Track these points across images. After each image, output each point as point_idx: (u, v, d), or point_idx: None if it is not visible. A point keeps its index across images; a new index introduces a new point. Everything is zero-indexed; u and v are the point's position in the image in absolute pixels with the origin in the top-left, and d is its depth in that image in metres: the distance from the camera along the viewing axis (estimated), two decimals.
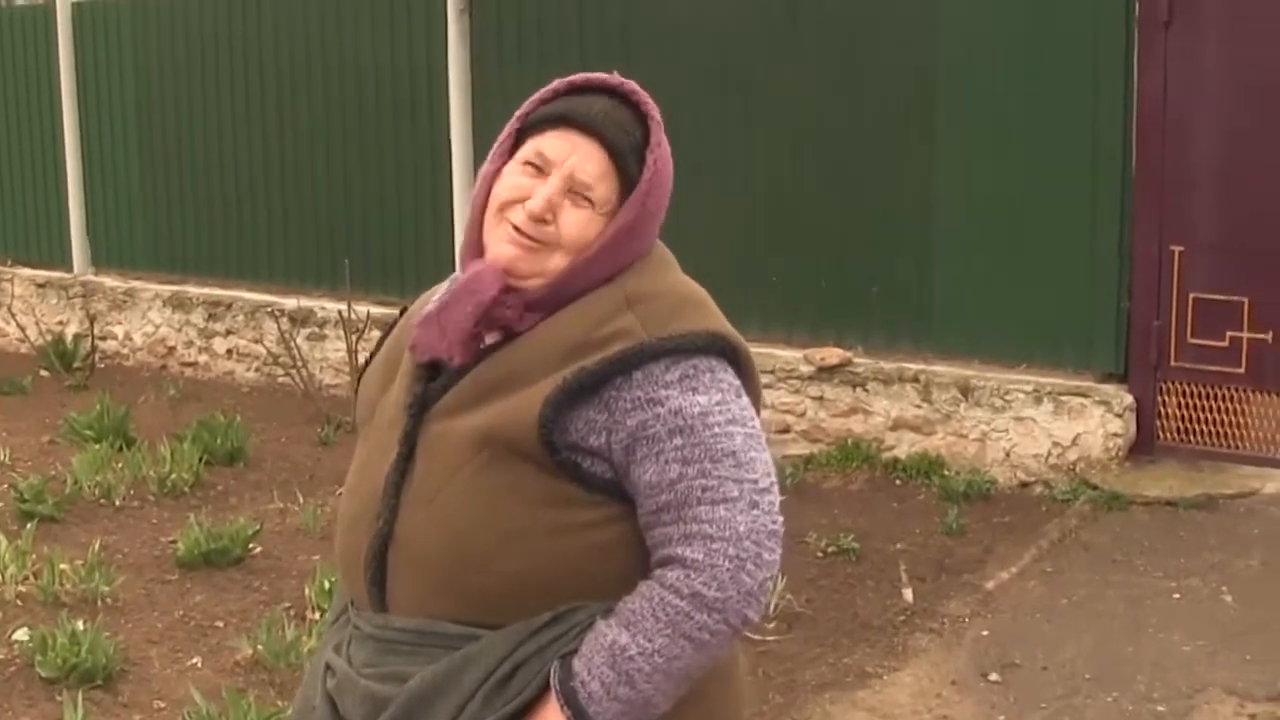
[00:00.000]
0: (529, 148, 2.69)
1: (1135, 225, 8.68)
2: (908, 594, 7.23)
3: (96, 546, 7.60)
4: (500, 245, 2.66)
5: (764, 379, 9.68)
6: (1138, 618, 6.86)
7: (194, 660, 6.48)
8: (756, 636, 6.61)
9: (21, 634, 6.57)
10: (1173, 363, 8.74)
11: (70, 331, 13.01)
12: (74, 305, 13.24)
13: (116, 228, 13.15)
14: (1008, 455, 8.97)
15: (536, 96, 2.75)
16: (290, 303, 11.78)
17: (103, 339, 12.91)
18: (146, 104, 12.76)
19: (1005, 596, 7.21)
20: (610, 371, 2.57)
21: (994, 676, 6.32)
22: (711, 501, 2.54)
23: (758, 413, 2.72)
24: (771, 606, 6.78)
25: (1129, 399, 8.75)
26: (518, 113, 2.75)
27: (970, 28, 9.02)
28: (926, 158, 9.21)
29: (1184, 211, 8.61)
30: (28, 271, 13.72)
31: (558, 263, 2.65)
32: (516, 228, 2.64)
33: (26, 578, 7.20)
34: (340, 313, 10.76)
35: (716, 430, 2.57)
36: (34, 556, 7.40)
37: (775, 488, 2.63)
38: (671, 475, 2.55)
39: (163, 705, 6.08)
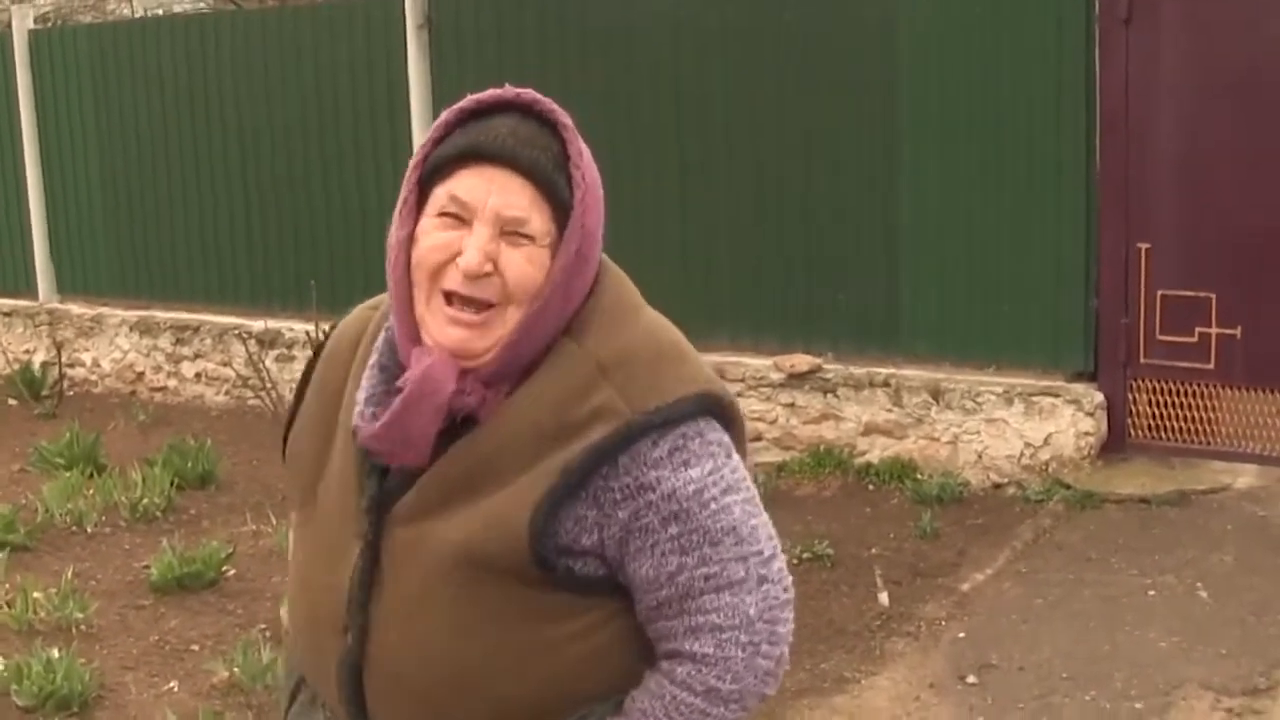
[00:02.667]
0: (440, 197, 2.33)
1: (1101, 223, 8.71)
2: (883, 598, 7.24)
3: (69, 574, 7.59)
4: (443, 329, 2.32)
5: (734, 387, 9.69)
6: (1113, 616, 6.88)
7: (170, 685, 6.46)
8: None
9: None
10: (1142, 360, 8.77)
11: (37, 360, 12.95)
12: (40, 333, 13.19)
13: (81, 254, 13.10)
14: (980, 457, 8.98)
15: (430, 137, 2.40)
16: (258, 324, 11.75)
17: (70, 366, 12.86)
18: (107, 129, 12.72)
19: (981, 598, 7.22)
20: (596, 462, 2.29)
21: (971, 678, 6.33)
22: (716, 589, 2.33)
23: (744, 458, 2.46)
24: None
25: (1099, 397, 8.77)
26: (413, 161, 2.40)
27: (929, 29, 9.04)
28: (890, 161, 9.23)
29: (1149, 208, 8.63)
30: None
31: (511, 320, 2.32)
32: (454, 297, 2.31)
33: (0, 607, 7.17)
34: (308, 333, 10.73)
35: (713, 507, 2.32)
36: (7, 585, 7.39)
37: (779, 549, 2.43)
38: (670, 568, 2.32)
39: None
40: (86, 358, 12.91)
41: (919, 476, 8.94)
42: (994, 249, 8.96)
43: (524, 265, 2.30)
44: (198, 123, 12.12)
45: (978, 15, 8.89)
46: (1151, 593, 7.15)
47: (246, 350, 11.54)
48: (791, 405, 9.54)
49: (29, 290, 13.43)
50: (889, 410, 9.24)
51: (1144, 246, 8.65)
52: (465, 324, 2.31)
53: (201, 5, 23.80)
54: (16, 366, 12.81)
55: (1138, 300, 8.70)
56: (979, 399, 8.98)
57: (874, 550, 7.92)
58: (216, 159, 12.09)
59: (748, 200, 9.72)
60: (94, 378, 12.88)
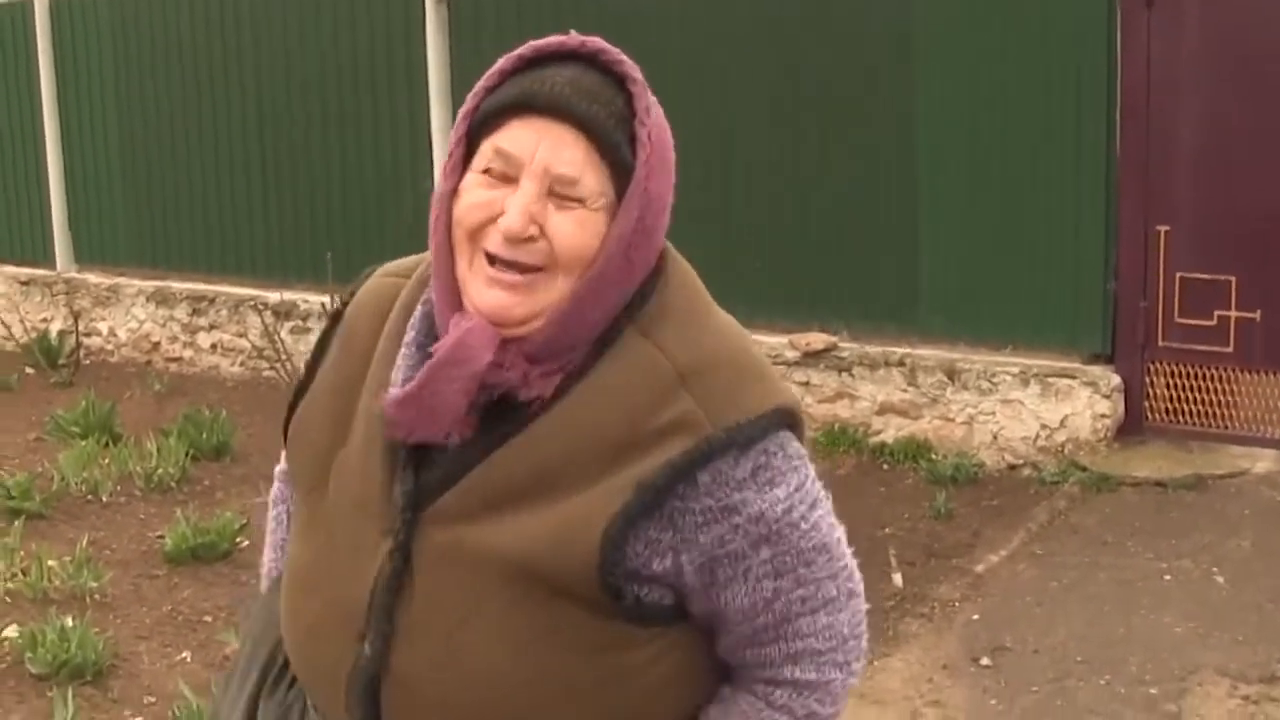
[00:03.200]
0: (486, 151, 2.10)
1: (1120, 205, 8.68)
2: (897, 579, 7.22)
3: (84, 543, 7.60)
4: (482, 292, 2.08)
5: None
6: (1129, 599, 6.86)
7: (183, 655, 6.46)
8: None
9: (11, 631, 6.57)
10: (1160, 343, 8.74)
11: (54, 329, 12.96)
12: (58, 302, 13.20)
13: (99, 224, 13.11)
14: (995, 438, 8.96)
15: (481, 85, 2.16)
16: (274, 296, 11.75)
17: (87, 335, 12.87)
18: (126, 99, 12.72)
19: (995, 580, 7.21)
20: (674, 479, 2.06)
21: (985, 660, 6.31)
22: (813, 611, 2.19)
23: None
24: None
25: (1116, 380, 8.74)
26: (462, 110, 2.16)
27: (948, 5, 9.00)
28: (908, 138, 9.20)
29: (1169, 191, 8.60)
30: (11, 269, 13.67)
31: (560, 289, 2.08)
32: (495, 259, 2.07)
33: (15, 575, 7.19)
34: (323, 305, 10.73)
35: (804, 527, 2.15)
36: (22, 553, 7.39)
37: (851, 555, 2.29)
38: (766, 594, 2.14)
39: (153, 700, 6.07)
40: (103, 327, 12.92)
41: (934, 457, 8.93)
42: (1013, 229, 8.93)
43: (574, 229, 2.06)
44: (217, 94, 12.11)
45: None
46: (1167, 577, 7.13)
47: (262, 321, 11.54)
48: (806, 384, 9.52)
49: (47, 259, 13.44)
50: (904, 390, 9.22)
51: (1163, 229, 8.62)
52: (506, 285, 2.07)
53: None
54: (34, 335, 12.82)
55: (1156, 283, 8.68)
56: (995, 380, 8.95)
57: (888, 530, 7.90)
58: (235, 131, 12.08)
59: (765, 176, 9.69)
60: (110, 347, 12.89)
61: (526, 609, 2.09)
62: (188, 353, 12.37)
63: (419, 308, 2.24)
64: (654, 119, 2.13)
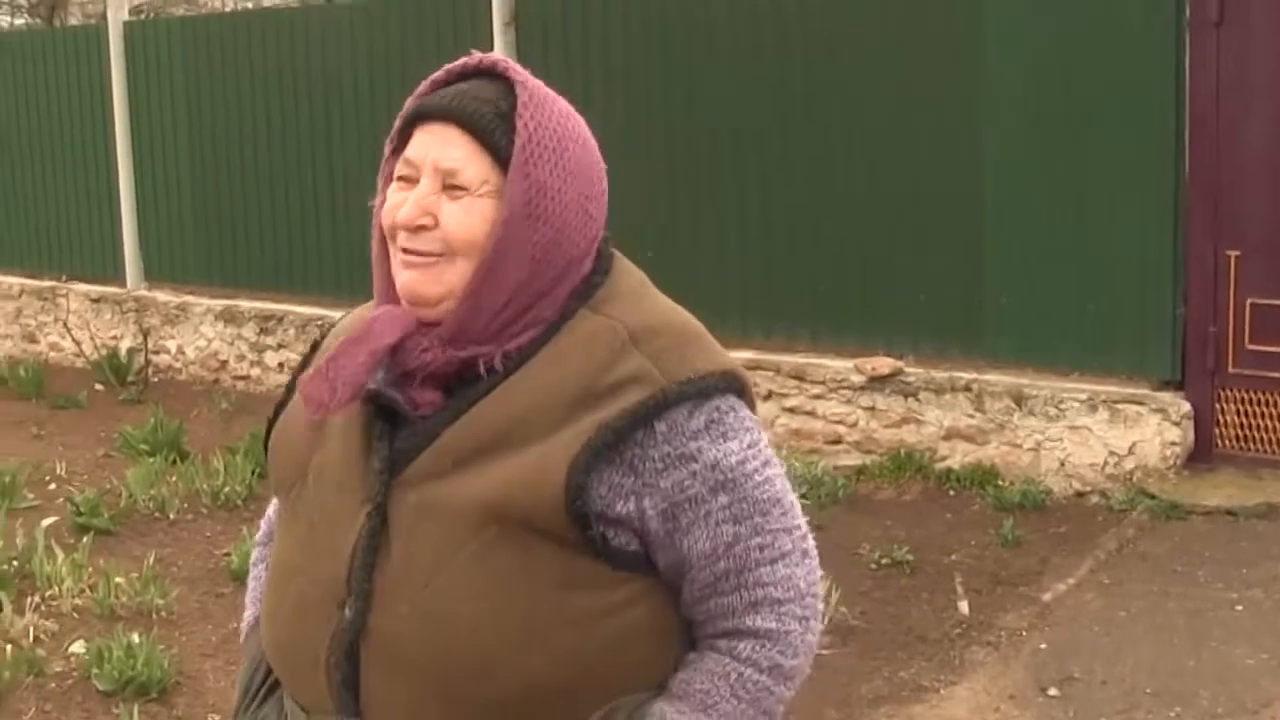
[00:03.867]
0: (399, 162, 2.35)
1: (1189, 229, 8.61)
2: (963, 606, 7.18)
3: (151, 560, 7.64)
4: (400, 274, 2.31)
5: (815, 390, 9.66)
6: (1199, 630, 6.79)
7: None
8: None
9: (78, 646, 6.61)
10: (1230, 369, 8.66)
11: (124, 346, 13.06)
12: (128, 320, 13.30)
13: (169, 243, 13.21)
14: (1063, 465, 8.90)
15: (402, 112, 2.39)
16: (340, 315, 11.77)
17: (156, 353, 12.96)
18: (198, 120, 12.82)
19: (1063, 608, 7.15)
20: (633, 425, 2.22)
21: (1052, 690, 6.26)
22: (771, 560, 2.29)
23: None
24: (825, 619, 6.75)
25: (1186, 406, 8.67)
26: (390, 136, 2.41)
27: (1016, 27, 8.96)
28: (974, 161, 9.16)
29: (1239, 215, 8.53)
30: (82, 287, 13.79)
31: (461, 271, 2.27)
32: (404, 249, 2.29)
33: (83, 591, 7.24)
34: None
35: (758, 478, 2.29)
36: (90, 570, 7.44)
37: (806, 526, 2.39)
38: (726, 538, 2.26)
39: (217, 718, 6.09)
40: (172, 345, 13.01)
41: (1000, 483, 8.87)
42: (1079, 253, 8.88)
43: (460, 215, 2.26)
44: (286, 115, 12.19)
45: (1066, 14, 8.80)
46: (1239, 607, 7.06)
47: None
48: (872, 409, 9.49)
49: (117, 277, 13.54)
50: (971, 415, 9.18)
51: (1233, 254, 8.55)
52: (415, 266, 2.29)
53: (292, 0, 23.97)
54: (103, 352, 12.92)
55: (1226, 308, 8.60)
56: (1062, 405, 8.90)
57: (954, 557, 7.86)
58: (304, 151, 12.15)
59: (831, 199, 9.67)
60: (178, 365, 12.97)
61: (497, 551, 2.20)
62: (255, 371, 12.44)
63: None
64: (535, 112, 2.30)
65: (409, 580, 2.23)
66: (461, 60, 2.40)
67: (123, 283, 13.48)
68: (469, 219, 2.26)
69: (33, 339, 14.09)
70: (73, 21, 26.48)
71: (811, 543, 2.37)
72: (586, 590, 2.23)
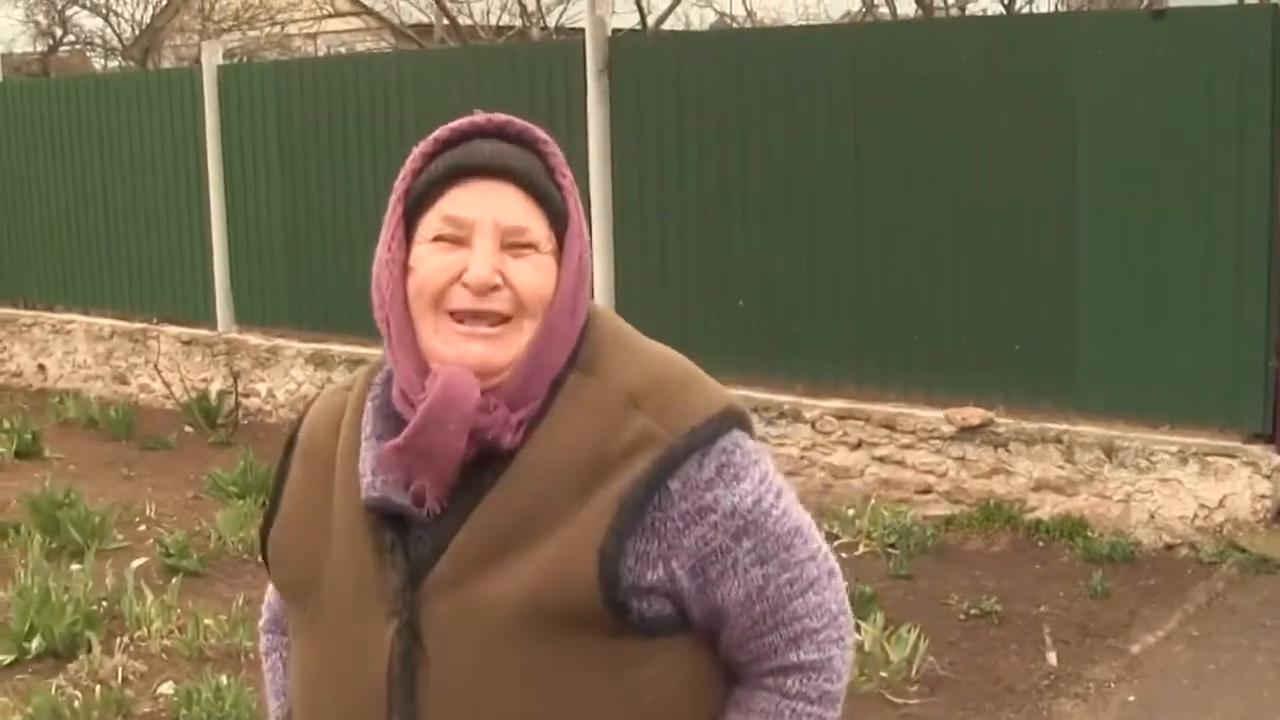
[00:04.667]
0: (432, 221, 2.22)
1: None
2: (1052, 658, 7.13)
3: (240, 601, 7.68)
4: (459, 347, 2.19)
5: (905, 439, 9.62)
6: None
7: None
8: (899, 700, 6.55)
9: (167, 688, 6.67)
10: None
11: (214, 388, 13.16)
12: (218, 362, 13.41)
13: (260, 285, 13.31)
14: (1152, 517, 8.83)
15: (408, 169, 2.30)
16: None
17: (246, 396, 13.06)
18: (289, 163, 12.93)
19: (1151, 661, 7.09)
20: (649, 492, 2.17)
21: None
22: (802, 592, 2.29)
23: None
24: (914, 669, 6.72)
25: (1277, 460, 8.58)
26: (394, 195, 2.30)
27: (1107, 80, 8.93)
28: (1069, 213, 9.12)
29: None
30: (173, 329, 13.91)
31: (527, 333, 2.20)
32: (464, 314, 2.19)
33: (171, 632, 7.30)
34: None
35: (775, 514, 2.27)
36: (179, 611, 7.49)
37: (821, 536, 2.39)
38: (758, 582, 2.24)
39: None
40: (262, 388, 13.11)
41: (1089, 534, 8.81)
42: (1172, 305, 8.82)
43: (533, 274, 2.20)
44: (379, 159, 12.27)
45: (1159, 68, 8.76)
46: None
47: None
48: (962, 459, 9.45)
49: (208, 320, 13.66)
50: (1061, 466, 9.13)
51: None
52: (481, 338, 2.19)
53: (384, 44, 24.20)
54: (194, 394, 13.03)
55: None
56: (1153, 458, 8.83)
57: (1043, 608, 7.80)
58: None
59: (922, 249, 9.66)
60: (268, 408, 13.07)
61: (539, 647, 2.15)
62: None
63: (368, 404, 2.34)
64: (569, 174, 2.29)
65: (454, 691, 2.17)
66: (468, 119, 2.31)
67: (213, 325, 13.60)
68: (541, 277, 2.21)
69: (123, 380, 14.23)
70: (166, 64, 26.82)
71: (833, 560, 2.38)
72: (633, 667, 2.21)
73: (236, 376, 13.02)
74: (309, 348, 12.81)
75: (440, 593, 2.17)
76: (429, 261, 2.22)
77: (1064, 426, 9.18)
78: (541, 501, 2.17)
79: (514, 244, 2.20)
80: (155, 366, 13.75)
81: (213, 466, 10.64)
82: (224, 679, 6.53)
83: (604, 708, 2.19)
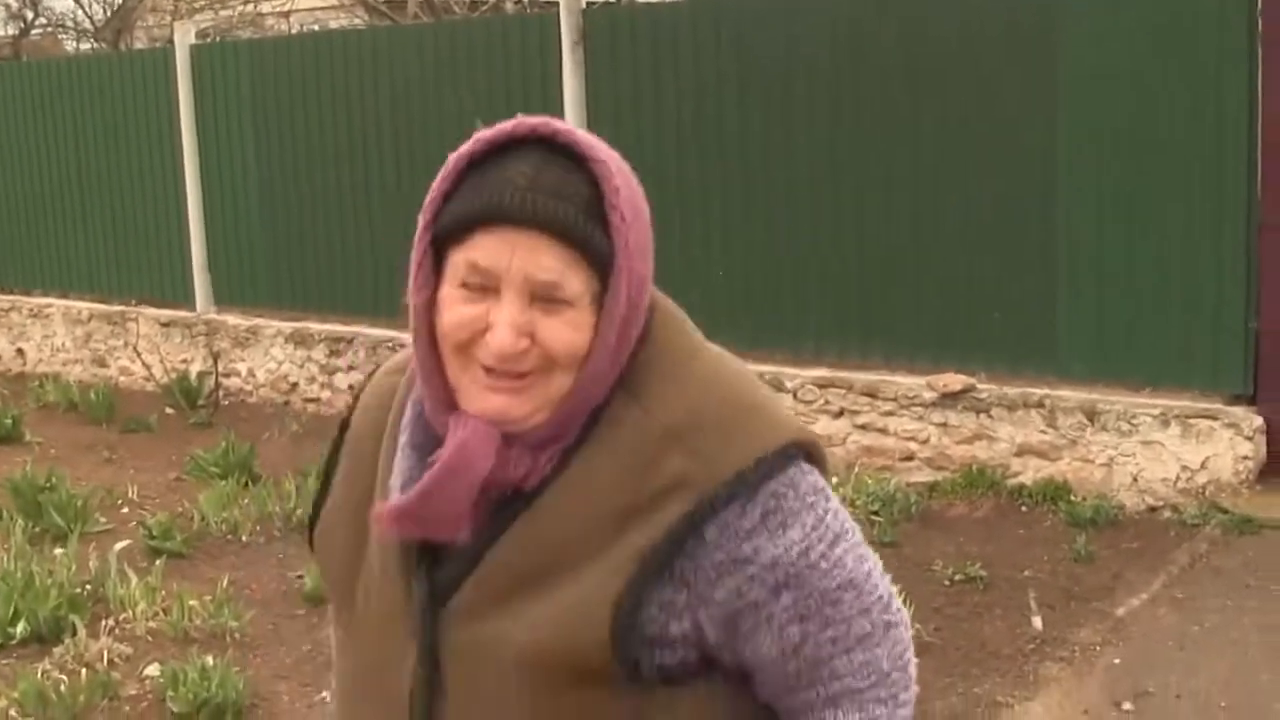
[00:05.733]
0: (458, 265, 2.03)
1: (1263, 244, 8.54)
2: (1037, 622, 7.15)
3: (224, 582, 7.67)
4: (482, 398, 2.04)
5: (887, 406, 9.62)
6: (1273, 645, 6.74)
7: (322, 695, 6.50)
8: None
9: (153, 670, 6.66)
10: None
11: (194, 369, 13.14)
12: (198, 343, 13.38)
13: (238, 266, 13.28)
14: (1135, 480, 8.85)
15: (436, 188, 2.10)
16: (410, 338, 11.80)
17: (226, 376, 13.03)
18: (265, 143, 12.89)
19: (1136, 624, 7.11)
20: (678, 541, 2.01)
21: (1127, 706, 6.23)
22: (846, 650, 2.10)
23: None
24: None
25: (1258, 421, 8.60)
26: (422, 219, 2.11)
27: (1089, 48, 8.92)
28: (1047, 179, 9.12)
29: None
30: (152, 311, 13.88)
31: (559, 383, 2.03)
32: (490, 370, 2.02)
33: (156, 614, 7.28)
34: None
35: (824, 566, 2.07)
36: (163, 593, 7.48)
37: (889, 582, 2.20)
38: (794, 640, 2.07)
39: None
40: (242, 368, 13.08)
41: (1073, 499, 8.83)
42: (1153, 268, 8.83)
43: (564, 332, 2.00)
44: (354, 137, 12.25)
45: (1139, 35, 8.76)
46: None
47: None
48: (944, 425, 9.46)
49: (187, 301, 13.62)
50: (1043, 431, 9.14)
51: None
52: (505, 390, 2.02)
53: (358, 21, 24.11)
54: (174, 375, 13.00)
55: None
56: (1135, 421, 8.85)
57: (1027, 573, 7.82)
58: (372, 173, 12.20)
59: (904, 217, 9.65)
60: (249, 388, 13.04)
61: (551, 696, 2.04)
62: (325, 393, 12.49)
63: (409, 409, 2.20)
64: (625, 198, 2.04)
65: None
66: (512, 123, 2.09)
67: (192, 306, 13.56)
68: (573, 335, 2.01)
69: (103, 363, 14.20)
70: (139, 45, 26.71)
71: (897, 610, 2.18)
72: (649, 716, 2.07)
73: (216, 357, 13.00)
74: (289, 327, 12.78)
75: (459, 622, 2.09)
76: (454, 313, 2.04)
77: (1045, 391, 9.19)
78: (566, 538, 2.04)
79: (546, 298, 1.99)
80: (135, 349, 13.73)
81: (194, 448, 10.63)
82: (209, 660, 6.52)
83: None
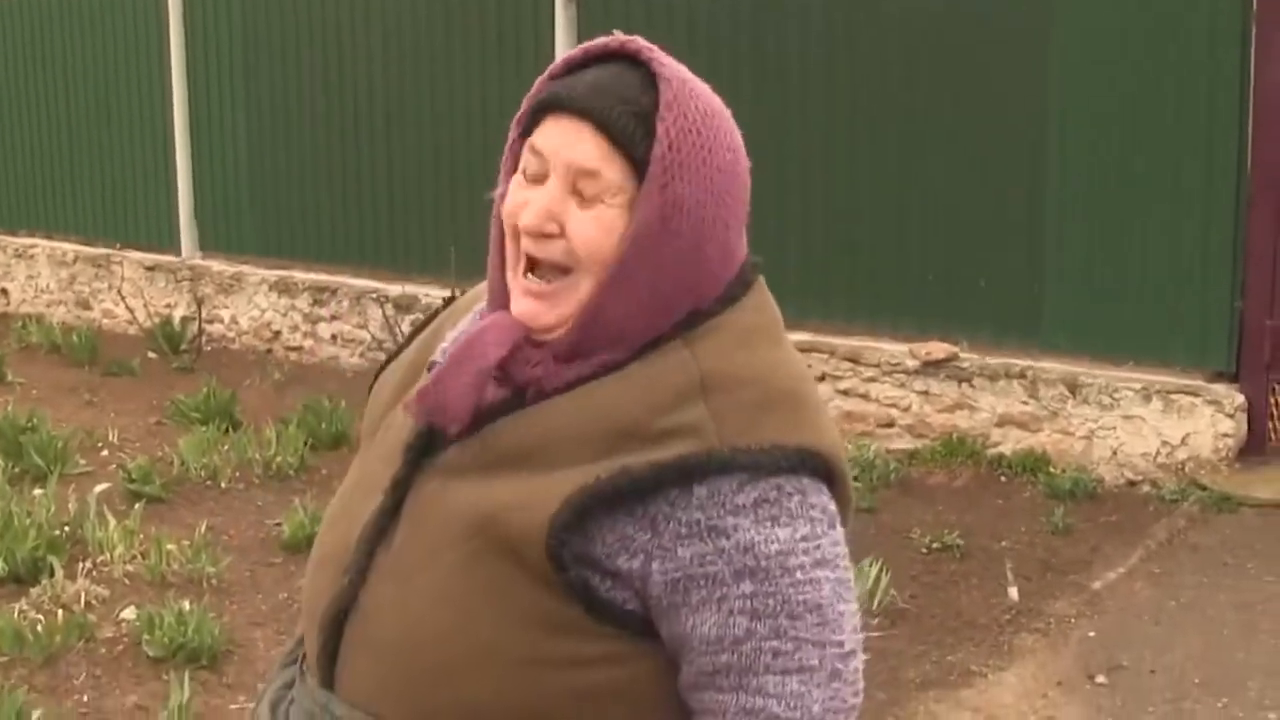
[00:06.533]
0: (524, 152, 2.13)
1: (1250, 222, 8.55)
2: (1013, 593, 7.17)
3: (203, 528, 7.68)
4: (517, 300, 2.11)
5: (869, 372, 9.62)
6: (1249, 622, 6.77)
7: None
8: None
9: (129, 613, 6.66)
10: None
11: (178, 314, 13.11)
12: (182, 288, 13.34)
13: (224, 212, 13.23)
14: (1115, 454, 8.86)
15: (533, 91, 2.18)
16: (395, 289, 11.81)
17: (210, 322, 13.00)
18: (254, 90, 12.82)
19: (1112, 597, 7.14)
20: (661, 481, 1.98)
21: (1100, 678, 6.26)
22: (784, 670, 1.98)
23: (845, 525, 2.12)
24: (875, 602, 6.74)
25: (1240, 399, 8.62)
26: (517, 115, 2.19)
27: (1082, 19, 8.91)
28: (1037, 151, 9.12)
29: None
30: (137, 255, 13.82)
31: (585, 290, 2.06)
32: (531, 268, 2.10)
33: (134, 557, 7.28)
34: (445, 299, 10.73)
35: (799, 576, 1.99)
36: (141, 537, 7.47)
37: (860, 648, 2.09)
38: (737, 632, 1.98)
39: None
40: (225, 314, 13.05)
41: (1052, 470, 8.84)
42: (1139, 243, 8.83)
43: (589, 226, 2.04)
44: (344, 86, 12.19)
45: (1131, 10, 8.75)
46: None
47: (383, 314, 11.63)
48: (925, 393, 9.47)
49: (172, 246, 13.56)
50: (1024, 402, 9.15)
51: None
52: (535, 294, 2.09)
53: None
54: (157, 320, 12.97)
55: None
56: (1116, 395, 8.86)
57: (1004, 543, 7.84)
58: (361, 123, 12.16)
59: (892, 185, 9.64)
60: (232, 334, 13.02)
61: (477, 566, 2.04)
62: (308, 342, 12.47)
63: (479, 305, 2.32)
64: (680, 116, 2.06)
65: (399, 568, 2.11)
66: (602, 40, 2.14)
67: (177, 252, 13.50)
68: (598, 233, 2.04)
69: (86, 306, 14.15)
70: None
71: (855, 667, 2.07)
72: (554, 634, 2.02)
73: (200, 303, 12.97)
74: (273, 275, 12.74)
75: (434, 476, 2.12)
76: (511, 196, 2.13)
77: (1028, 362, 9.20)
78: (564, 436, 2.05)
79: (583, 192, 2.05)
80: (119, 292, 13.68)
81: (176, 393, 10.60)
82: (186, 604, 6.52)
83: (513, 657, 2.04)
